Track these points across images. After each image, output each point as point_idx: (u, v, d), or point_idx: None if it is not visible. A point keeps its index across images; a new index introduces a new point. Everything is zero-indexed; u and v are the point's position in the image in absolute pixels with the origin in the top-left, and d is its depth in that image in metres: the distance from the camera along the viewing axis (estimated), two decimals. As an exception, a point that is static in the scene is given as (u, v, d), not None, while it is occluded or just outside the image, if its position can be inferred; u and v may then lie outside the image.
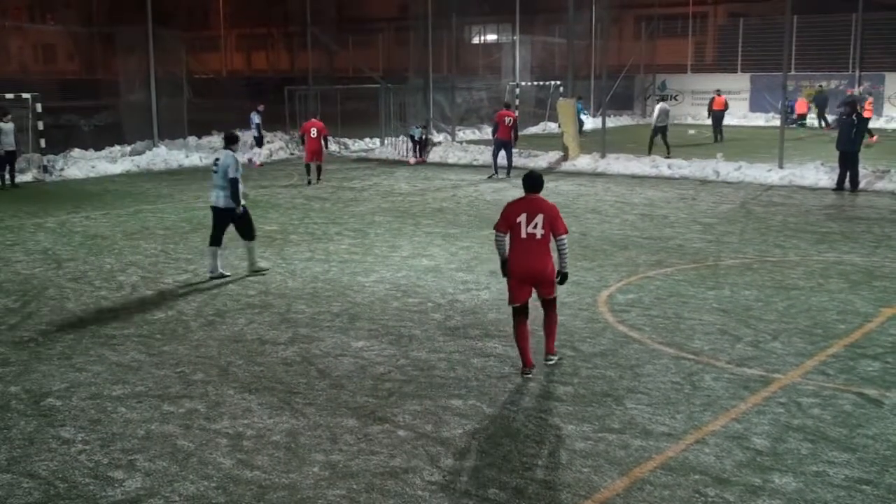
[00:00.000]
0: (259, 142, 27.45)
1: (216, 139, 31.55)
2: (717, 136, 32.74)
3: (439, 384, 7.88)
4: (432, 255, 13.34)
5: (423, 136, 27.85)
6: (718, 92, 34.73)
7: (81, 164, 24.94)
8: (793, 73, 40.44)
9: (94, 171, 24.70)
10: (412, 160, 27.36)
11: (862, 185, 20.05)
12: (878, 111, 38.24)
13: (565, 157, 25.55)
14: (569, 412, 7.23)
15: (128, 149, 27.46)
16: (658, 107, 28.41)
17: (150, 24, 27.05)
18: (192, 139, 29.82)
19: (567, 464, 6.29)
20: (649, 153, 26.21)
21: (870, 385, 7.77)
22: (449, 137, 32.66)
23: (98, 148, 26.96)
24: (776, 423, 6.98)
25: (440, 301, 10.72)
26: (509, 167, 23.13)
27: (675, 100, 44.23)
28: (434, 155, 27.83)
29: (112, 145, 27.44)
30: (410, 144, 28.05)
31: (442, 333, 9.42)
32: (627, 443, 6.63)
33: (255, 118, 26.87)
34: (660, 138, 27.26)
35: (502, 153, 22.99)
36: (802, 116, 38.43)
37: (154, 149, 27.30)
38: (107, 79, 37.05)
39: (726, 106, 34.02)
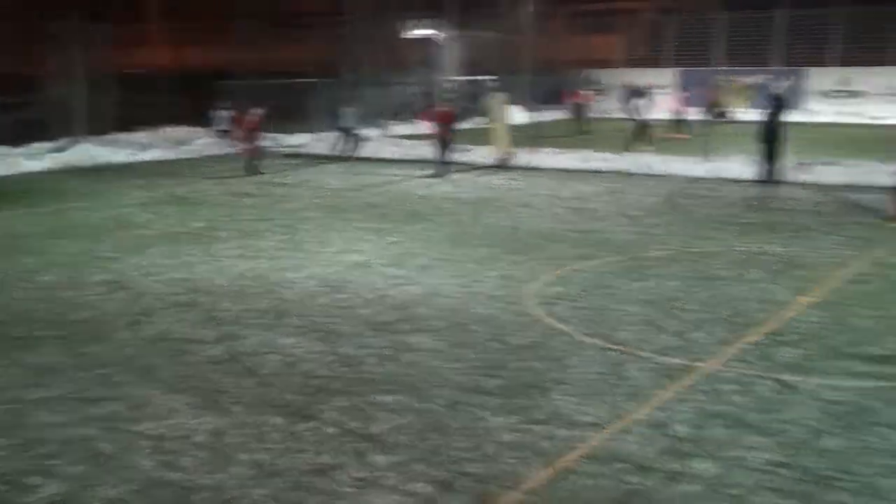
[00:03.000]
0: (226, 134, 28.07)
1: (143, 136, 31.01)
2: (583, 127, 34.08)
3: (368, 380, 7.87)
4: (362, 251, 13.31)
5: (352, 127, 27.73)
6: (582, 88, 36.15)
7: (0, 161, 24.26)
8: (721, 68, 41.23)
9: (14, 168, 24.06)
10: (339, 152, 27.20)
11: (784, 176, 20.52)
12: (801, 105, 39.13)
13: (500, 153, 25.62)
14: (497, 405, 7.27)
15: (52, 145, 26.82)
16: (640, 101, 29.21)
17: (77, 18, 26.45)
18: (118, 135, 29.23)
19: (494, 456, 6.34)
20: (645, 145, 26.68)
21: (787, 371, 7.98)
22: (382, 133, 32.58)
23: (20, 144, 26.26)
24: (697, 410, 7.12)
25: (370, 296, 10.70)
26: (446, 163, 23.12)
27: (602, 94, 44.65)
28: (366, 150, 27.71)
29: (35, 141, 26.76)
30: (340, 136, 27.87)
31: (371, 329, 9.40)
32: (553, 433, 6.70)
33: (218, 114, 28.55)
34: (636, 132, 27.80)
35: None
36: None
37: (79, 145, 26.71)
38: (31, 73, 36.09)
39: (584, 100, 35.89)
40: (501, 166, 24.29)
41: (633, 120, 28.21)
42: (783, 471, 6.07)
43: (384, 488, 5.87)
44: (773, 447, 6.43)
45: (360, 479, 5.99)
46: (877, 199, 16.43)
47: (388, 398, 7.42)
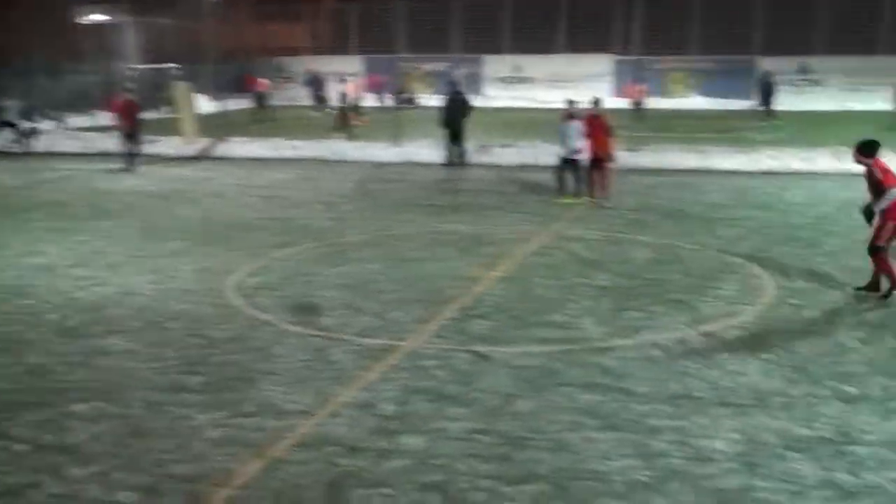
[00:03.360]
0: None
1: None
2: (266, 115, 34.38)
3: (60, 389, 7.37)
4: (44, 252, 12.39)
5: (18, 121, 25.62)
6: (262, 75, 36.53)
7: None
8: (405, 55, 42.60)
9: None
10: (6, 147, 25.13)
11: (468, 159, 21.63)
12: (478, 90, 41.33)
13: (189, 143, 24.88)
14: (201, 401, 7.10)
15: None
16: (343, 86, 29.25)
17: None
18: None
19: (202, 454, 6.18)
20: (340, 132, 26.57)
21: (480, 343, 8.46)
22: (58, 125, 30.42)
23: None
24: (402, 387, 7.36)
25: (56, 301, 10.00)
26: (133, 155, 22.01)
27: (288, 81, 44.57)
28: (41, 144, 25.73)
29: None
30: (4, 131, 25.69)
31: (60, 335, 8.81)
32: (262, 425, 6.65)
33: None
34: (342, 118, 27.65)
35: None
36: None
37: None
38: None
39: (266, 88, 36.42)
40: (195, 157, 23.59)
41: (340, 107, 28.37)
42: (482, 437, 6.44)
43: (85, 501, 5.55)
44: (472, 416, 6.81)
45: (58, 496, 5.62)
46: (549, 177, 17.72)
47: (83, 406, 7.00)
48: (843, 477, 5.82)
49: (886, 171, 9.78)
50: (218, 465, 6.01)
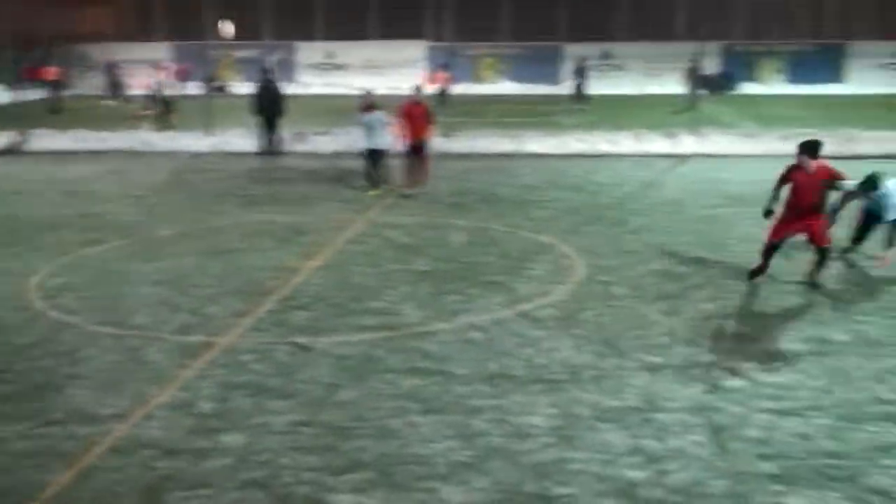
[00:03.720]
0: None
1: None
2: (56, 105, 32.42)
3: None
4: None
5: None
6: (51, 63, 34.86)
7: None
8: (215, 41, 41.41)
9: None
10: None
11: (283, 147, 21.33)
12: (291, 78, 40.75)
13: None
14: (5, 412, 6.72)
15: None
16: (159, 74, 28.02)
17: None
18: None
19: (8, 468, 5.88)
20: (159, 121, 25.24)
21: (301, 334, 8.40)
22: None
23: None
24: (221, 384, 7.22)
25: None
26: None
27: (92, 69, 42.46)
28: None
29: None
30: None
31: None
32: (73, 432, 6.37)
33: None
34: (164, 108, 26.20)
35: None
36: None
37: None
38: None
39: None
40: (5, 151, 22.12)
41: (161, 97, 27.04)
42: (306, 429, 6.41)
43: None
44: (294, 408, 6.76)
45: None
46: (363, 165, 17.69)
47: None
48: (649, 443, 6.17)
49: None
50: (25, 479, 5.73)
